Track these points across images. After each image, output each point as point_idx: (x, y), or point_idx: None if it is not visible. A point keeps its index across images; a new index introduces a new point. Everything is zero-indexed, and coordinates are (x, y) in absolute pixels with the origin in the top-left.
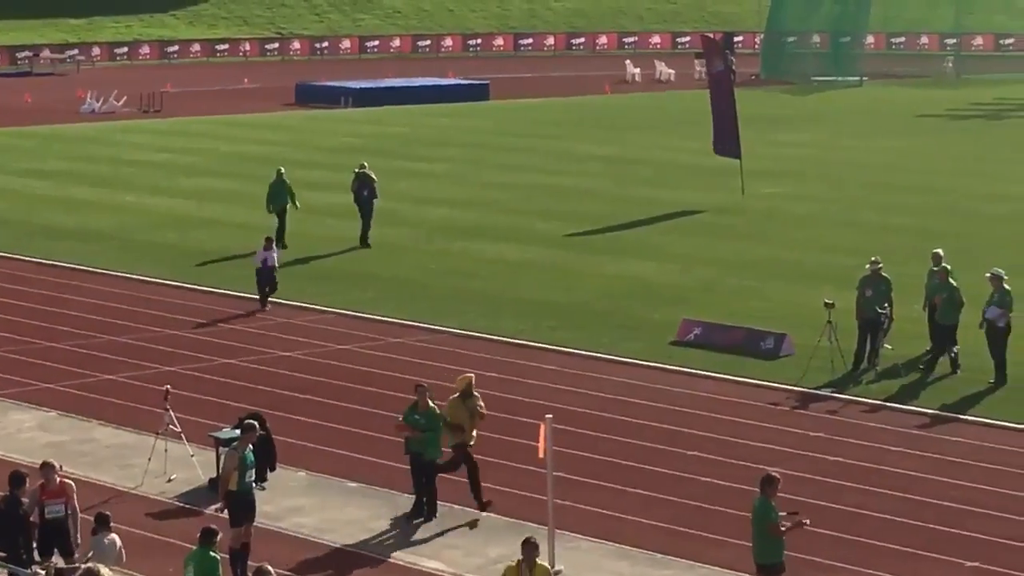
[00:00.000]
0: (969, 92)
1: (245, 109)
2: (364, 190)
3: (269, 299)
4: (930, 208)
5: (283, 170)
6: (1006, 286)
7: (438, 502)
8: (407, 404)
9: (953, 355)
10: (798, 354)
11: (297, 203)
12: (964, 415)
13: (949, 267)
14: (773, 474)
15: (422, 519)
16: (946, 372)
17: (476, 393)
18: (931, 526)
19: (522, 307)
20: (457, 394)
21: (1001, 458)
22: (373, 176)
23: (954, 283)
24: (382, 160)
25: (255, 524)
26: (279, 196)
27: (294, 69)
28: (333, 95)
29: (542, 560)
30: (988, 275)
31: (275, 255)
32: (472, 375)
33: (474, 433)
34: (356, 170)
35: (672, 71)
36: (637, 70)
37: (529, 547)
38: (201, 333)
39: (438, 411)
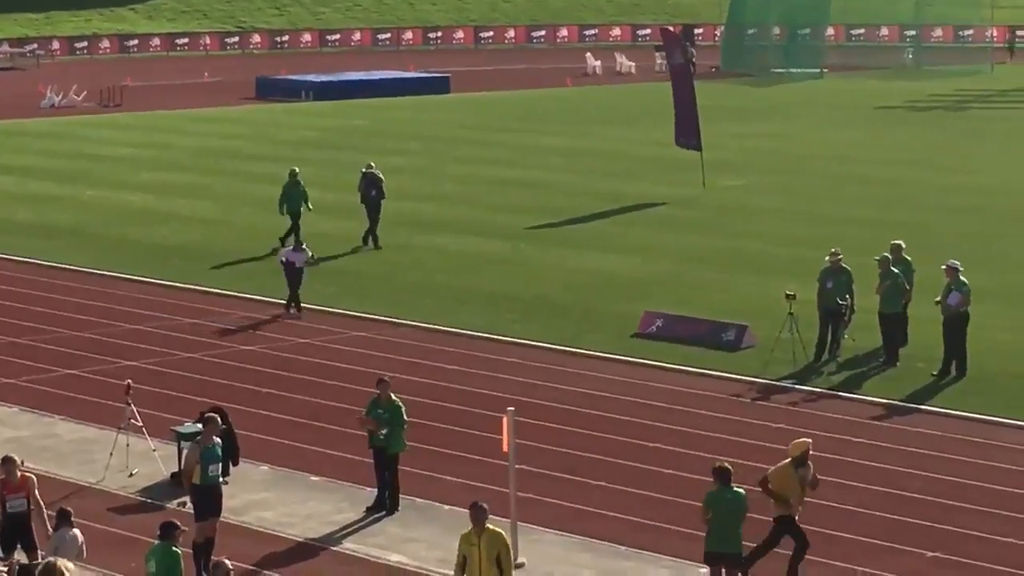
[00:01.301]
0: (929, 84)
1: (205, 103)
2: (372, 190)
3: (298, 304)
4: (890, 200)
5: (297, 171)
6: (962, 277)
7: (400, 496)
8: (369, 398)
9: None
10: (760, 346)
11: (310, 205)
12: (925, 405)
13: (891, 256)
14: (727, 465)
15: (384, 512)
16: (913, 364)
17: (810, 462)
18: (892, 516)
19: (484, 300)
20: (789, 460)
21: (961, 448)
22: (381, 176)
23: (896, 271)
24: (343, 154)
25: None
26: (293, 198)
27: (254, 63)
28: (294, 88)
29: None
30: (944, 267)
31: (305, 255)
32: (809, 441)
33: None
34: (363, 170)
35: (632, 64)
36: (598, 63)
37: (477, 510)
38: (162, 327)
39: (400, 404)
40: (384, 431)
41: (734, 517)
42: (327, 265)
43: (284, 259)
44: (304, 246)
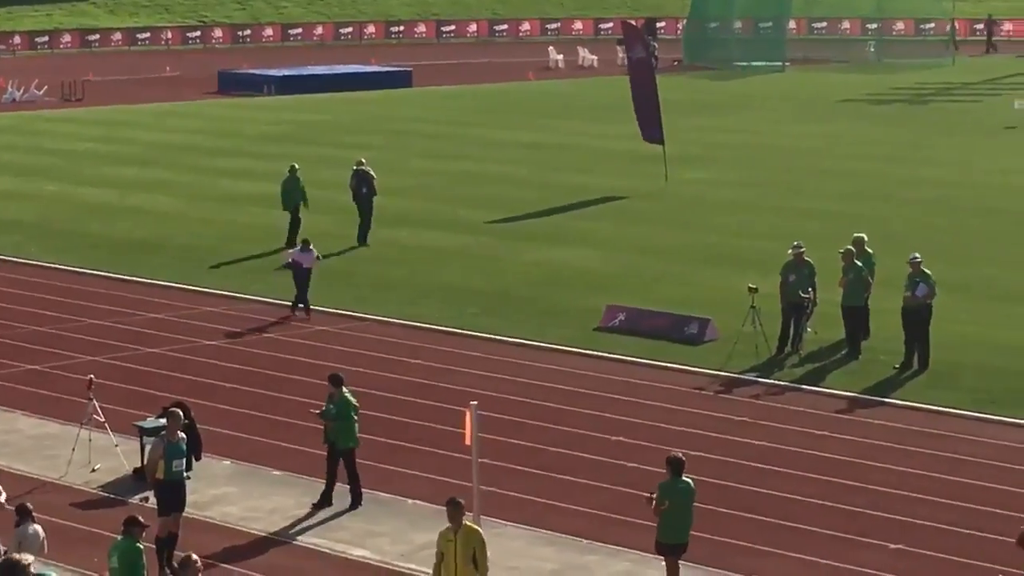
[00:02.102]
0: (890, 77)
1: (167, 97)
2: (363, 187)
3: (306, 307)
4: (852, 192)
5: (297, 167)
6: (925, 270)
7: (364, 490)
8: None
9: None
10: (722, 339)
11: (307, 202)
12: (887, 398)
13: (854, 249)
14: (680, 455)
15: (331, 507)
16: (875, 357)
17: None
18: (855, 509)
19: (446, 294)
20: None
21: (924, 441)
22: (372, 173)
23: (859, 264)
24: (305, 148)
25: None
26: (292, 194)
27: (216, 57)
28: (256, 83)
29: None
30: (909, 260)
31: (313, 255)
32: None
33: None
34: (354, 167)
35: (595, 57)
36: (560, 56)
37: (453, 507)
38: (125, 322)
39: (351, 400)
40: (329, 425)
41: (687, 507)
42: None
43: (291, 260)
44: (311, 246)
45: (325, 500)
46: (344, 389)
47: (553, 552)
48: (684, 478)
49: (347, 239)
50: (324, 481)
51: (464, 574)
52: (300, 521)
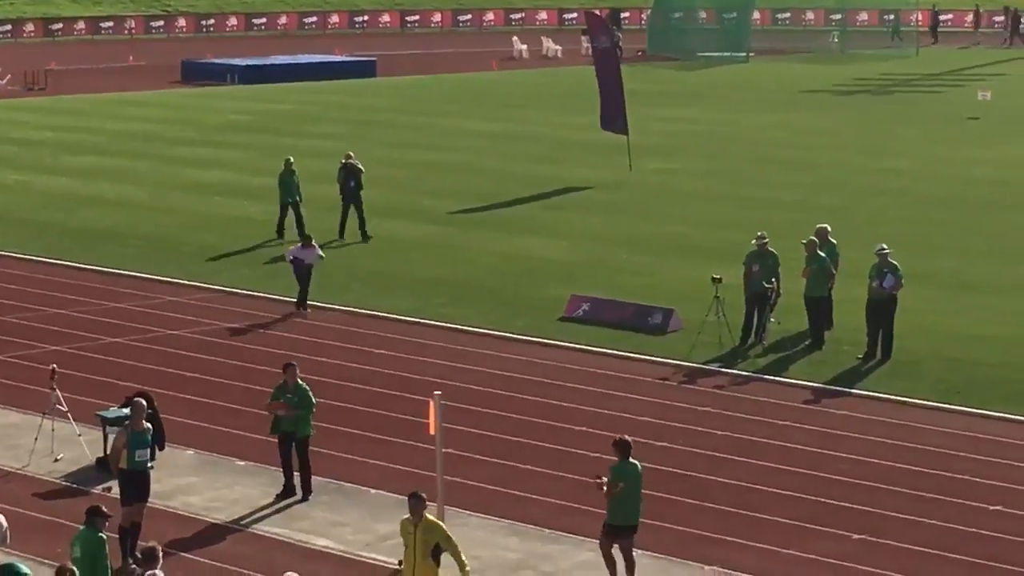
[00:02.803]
0: (854, 67)
1: (131, 87)
2: (351, 181)
3: (304, 303)
4: (816, 183)
5: (292, 160)
6: (893, 261)
7: (327, 480)
8: (276, 383)
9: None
10: (686, 329)
11: (301, 195)
12: (850, 388)
13: (818, 240)
14: (627, 438)
15: (296, 498)
16: (839, 347)
17: None
18: (819, 499)
19: (411, 284)
20: None
21: (887, 431)
22: (360, 167)
23: (822, 254)
24: (269, 138)
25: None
26: (288, 187)
27: (180, 46)
28: (219, 72)
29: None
30: (877, 251)
31: (316, 252)
32: None
33: None
34: (343, 160)
35: (559, 47)
36: (524, 46)
37: (415, 500)
38: (87, 312)
39: (307, 388)
40: (293, 415)
41: (638, 489)
42: (253, 250)
43: (292, 257)
44: (313, 242)
45: (289, 491)
46: (298, 377)
47: (517, 542)
48: (632, 460)
49: (312, 229)
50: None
51: (422, 568)
52: (263, 511)
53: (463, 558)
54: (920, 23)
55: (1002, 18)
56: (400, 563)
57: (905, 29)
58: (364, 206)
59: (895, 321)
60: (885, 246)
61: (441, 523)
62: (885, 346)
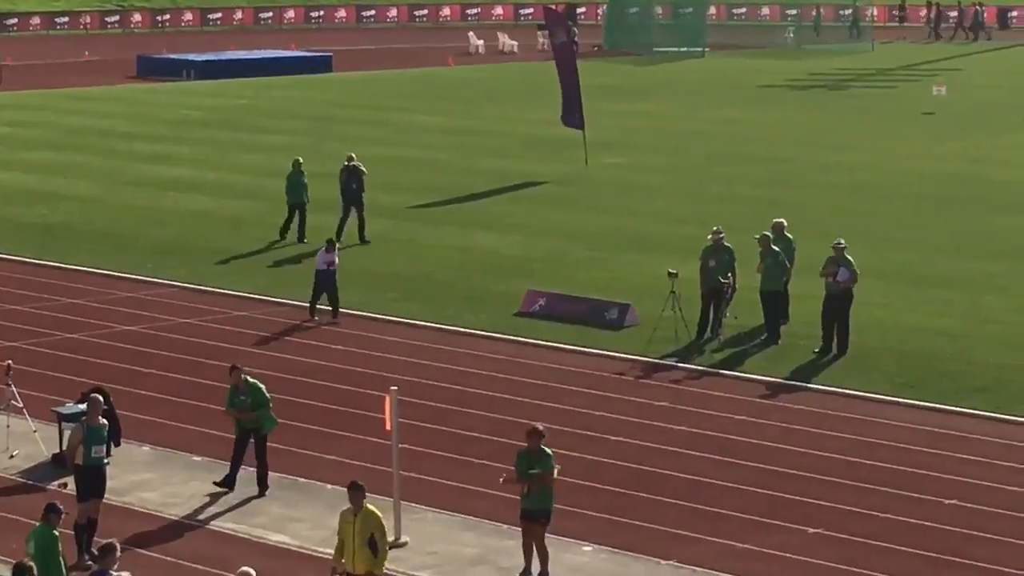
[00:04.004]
0: (809, 62)
1: (86, 82)
2: (353, 183)
3: (331, 308)
4: (772, 178)
5: (301, 160)
6: (848, 256)
7: (283, 476)
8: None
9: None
10: (642, 324)
11: (308, 198)
12: (806, 383)
13: (772, 234)
14: (539, 426)
15: (252, 494)
16: (795, 342)
17: None
18: (775, 493)
19: (366, 279)
20: None
21: (842, 426)
22: (363, 169)
23: (777, 249)
24: (225, 133)
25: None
26: (296, 189)
27: (135, 41)
28: (175, 68)
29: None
30: (833, 246)
31: (336, 258)
32: None
33: None
34: (345, 163)
35: (515, 43)
36: (480, 42)
37: (354, 490)
38: (43, 308)
39: (259, 384)
40: (252, 416)
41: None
42: (210, 245)
43: (324, 266)
44: (335, 248)
45: (229, 483)
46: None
47: (473, 537)
48: (544, 448)
49: (262, 225)
50: (245, 466)
51: (361, 556)
52: (219, 507)
53: (387, 552)
54: (876, 19)
55: (954, 13)
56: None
57: (862, 24)
58: (365, 210)
59: (851, 315)
60: (842, 240)
61: (379, 513)
62: (841, 341)
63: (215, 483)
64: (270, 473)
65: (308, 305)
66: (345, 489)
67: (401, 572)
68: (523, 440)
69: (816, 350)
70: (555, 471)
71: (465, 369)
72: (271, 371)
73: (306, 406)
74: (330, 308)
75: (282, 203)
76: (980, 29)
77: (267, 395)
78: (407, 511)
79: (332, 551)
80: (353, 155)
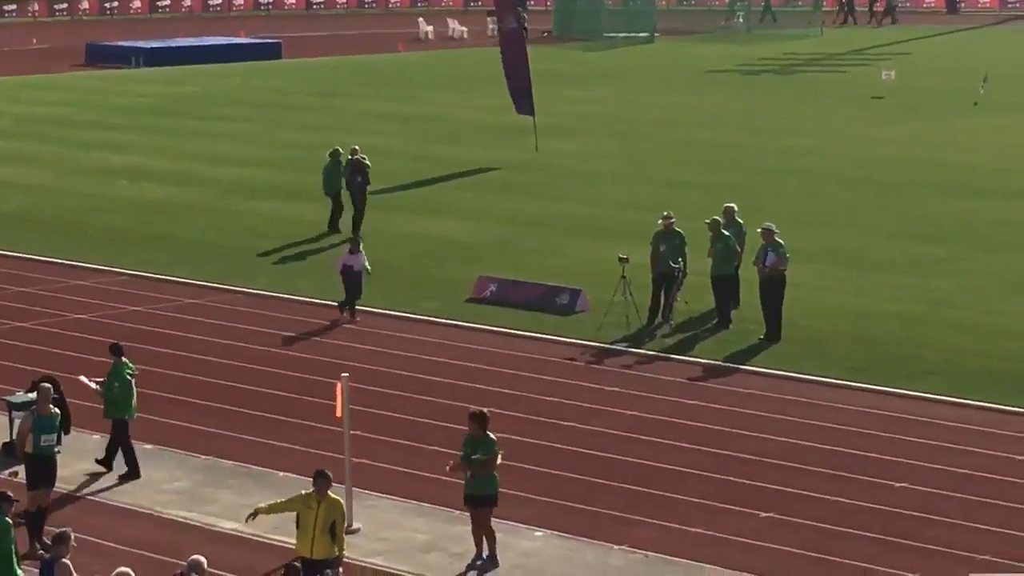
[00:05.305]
0: (759, 47)
1: (34, 70)
2: (357, 176)
3: (349, 307)
4: (722, 163)
5: (340, 151)
6: (778, 239)
7: (235, 463)
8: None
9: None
10: (593, 309)
11: (344, 188)
12: (756, 367)
13: (723, 219)
14: (481, 410)
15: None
16: (745, 327)
17: None
18: (726, 477)
19: (317, 266)
20: None
21: (793, 410)
22: (367, 163)
23: (727, 233)
24: (174, 120)
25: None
26: (334, 179)
27: (84, 29)
28: (124, 55)
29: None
30: (760, 230)
31: (363, 258)
32: None
33: None
34: (349, 156)
35: (465, 29)
36: (430, 28)
37: (322, 478)
38: None
39: (124, 368)
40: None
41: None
42: (160, 232)
43: (341, 266)
44: (360, 248)
45: (132, 470)
46: (124, 359)
47: (425, 523)
48: (488, 433)
49: (213, 212)
50: (197, 454)
51: (321, 543)
52: (171, 495)
53: (344, 538)
54: (826, 3)
55: None
56: (251, 517)
57: (811, 9)
58: (366, 204)
59: (801, 300)
60: (769, 225)
61: (343, 502)
62: (773, 326)
63: (119, 476)
64: (222, 460)
65: (338, 304)
66: (298, 476)
67: (353, 558)
68: (467, 424)
69: (761, 336)
70: (498, 456)
71: (416, 355)
72: (225, 359)
73: (257, 393)
74: (346, 304)
75: (231, 189)
76: (888, 14)
77: (117, 384)
78: (359, 498)
79: (284, 538)
80: (357, 147)
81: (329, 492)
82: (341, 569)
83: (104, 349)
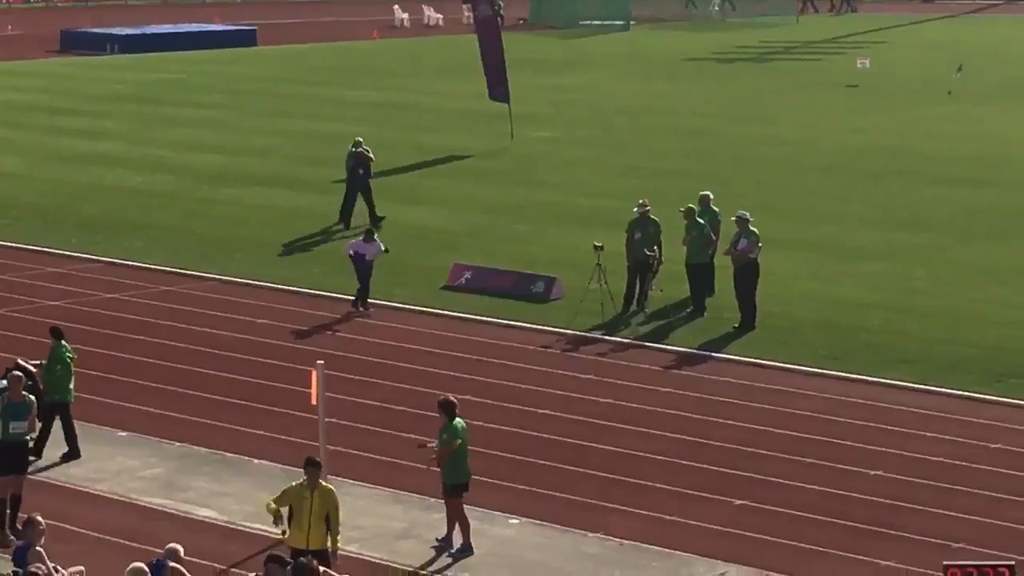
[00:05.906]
0: (735, 35)
1: (9, 56)
2: (360, 168)
3: (365, 300)
4: (697, 151)
5: (361, 140)
6: (752, 228)
7: (211, 451)
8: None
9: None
10: (568, 297)
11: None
12: (731, 355)
13: (699, 207)
14: (446, 397)
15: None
16: (720, 314)
17: None
18: (700, 465)
19: (292, 254)
20: None
21: (768, 397)
22: (371, 155)
23: (702, 221)
24: (149, 107)
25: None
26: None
27: (59, 15)
28: (99, 42)
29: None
30: (735, 218)
31: (377, 246)
32: None
33: None
34: (351, 148)
35: (440, 16)
36: (405, 15)
37: (313, 467)
38: None
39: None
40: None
41: (466, 447)
42: (135, 219)
43: (352, 252)
44: (375, 236)
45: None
46: (63, 342)
47: (400, 511)
48: (457, 419)
49: (188, 200)
50: (172, 441)
51: (317, 533)
52: (146, 482)
53: (339, 531)
54: None
55: None
56: (284, 533)
57: None
58: (373, 194)
59: (775, 287)
60: (743, 213)
61: (334, 489)
62: (748, 313)
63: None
64: (197, 447)
65: (353, 297)
66: (273, 464)
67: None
68: (433, 410)
69: (736, 324)
70: (455, 443)
71: (392, 343)
72: (200, 346)
73: (232, 380)
74: (359, 298)
75: (206, 177)
76: (847, 3)
77: (65, 361)
78: (334, 485)
79: (259, 525)
80: (360, 139)
81: (321, 481)
82: (337, 561)
83: (80, 336)
